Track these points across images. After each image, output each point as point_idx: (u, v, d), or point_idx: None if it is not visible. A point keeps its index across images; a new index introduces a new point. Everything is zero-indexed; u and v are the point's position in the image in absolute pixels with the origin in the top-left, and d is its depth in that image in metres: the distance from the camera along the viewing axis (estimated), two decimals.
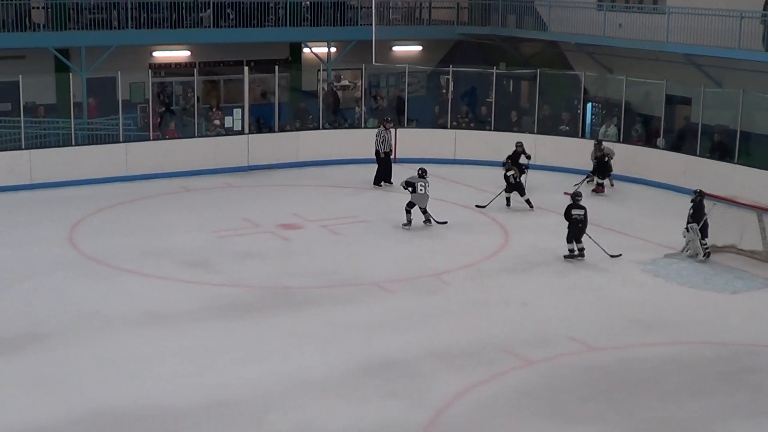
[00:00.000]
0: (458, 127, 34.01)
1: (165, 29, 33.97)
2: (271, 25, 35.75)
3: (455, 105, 34.90)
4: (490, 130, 33.34)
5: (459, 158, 32.36)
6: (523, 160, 28.32)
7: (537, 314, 19.31)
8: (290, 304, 19.64)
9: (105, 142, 31.52)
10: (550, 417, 15.11)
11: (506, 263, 22.44)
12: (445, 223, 25.12)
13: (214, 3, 34.65)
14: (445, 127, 34.07)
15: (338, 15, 36.83)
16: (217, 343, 17.61)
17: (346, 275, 21.43)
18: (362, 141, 32.36)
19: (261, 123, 34.05)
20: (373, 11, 35.00)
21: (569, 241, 22.60)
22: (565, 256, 22.55)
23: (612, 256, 22.74)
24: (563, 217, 22.80)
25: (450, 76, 34.72)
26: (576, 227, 22.57)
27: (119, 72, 30.83)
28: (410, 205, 24.75)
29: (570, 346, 17.67)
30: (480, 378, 16.23)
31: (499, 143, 30.96)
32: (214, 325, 18.45)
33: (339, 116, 36.17)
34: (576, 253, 22.57)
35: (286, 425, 14.66)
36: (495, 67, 34.15)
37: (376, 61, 34.41)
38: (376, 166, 29.93)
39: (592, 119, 35.06)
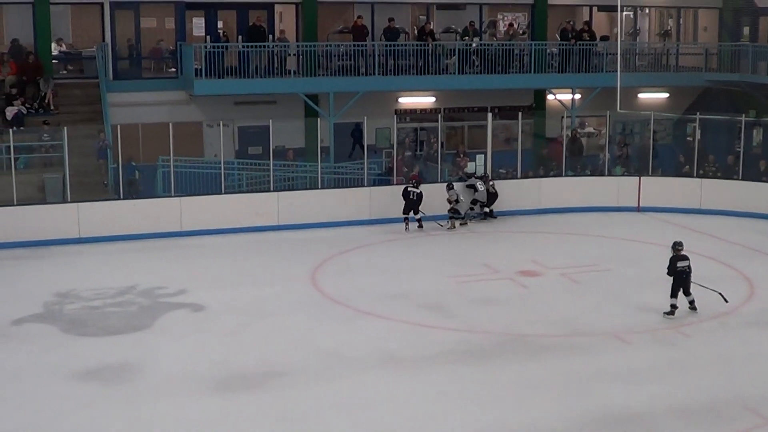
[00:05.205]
0: (704, 176, 33.17)
1: (411, 76, 34.66)
2: (516, 72, 35.95)
3: (702, 153, 34.06)
4: (737, 179, 32.37)
5: (705, 208, 31.48)
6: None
7: None
8: (526, 351, 19.50)
9: (350, 186, 32.34)
10: None
11: (750, 317, 21.67)
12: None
13: (459, 50, 35.12)
14: (690, 175, 33.32)
15: (583, 62, 36.72)
16: (452, 388, 17.65)
17: (584, 324, 21.14)
18: (606, 188, 32.06)
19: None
20: (619, 58, 34.71)
21: (674, 295, 21.44)
22: (665, 313, 21.47)
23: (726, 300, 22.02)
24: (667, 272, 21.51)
25: (697, 124, 33.98)
26: (681, 279, 21.41)
27: (365, 117, 31.41)
28: None
29: None
30: None
31: (748, 193, 30.08)
32: (450, 369, 18.51)
33: (582, 163, 35.94)
34: (688, 306, 21.61)
35: None
36: (744, 115, 33.21)
37: (621, 108, 34.02)
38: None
39: None
